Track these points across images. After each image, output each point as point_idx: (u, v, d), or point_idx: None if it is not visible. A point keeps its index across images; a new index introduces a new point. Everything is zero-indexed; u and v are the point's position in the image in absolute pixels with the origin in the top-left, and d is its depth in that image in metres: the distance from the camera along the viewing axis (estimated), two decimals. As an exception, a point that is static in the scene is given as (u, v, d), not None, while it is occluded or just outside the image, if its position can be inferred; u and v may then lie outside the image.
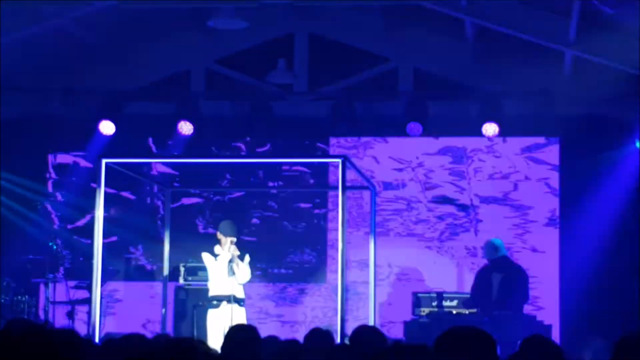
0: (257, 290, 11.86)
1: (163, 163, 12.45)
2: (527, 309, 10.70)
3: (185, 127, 11.92)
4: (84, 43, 11.62)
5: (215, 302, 9.71)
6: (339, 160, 8.14)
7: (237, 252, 9.78)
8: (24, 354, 3.77)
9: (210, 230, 11.63)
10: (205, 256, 9.89)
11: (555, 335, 10.78)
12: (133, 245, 12.37)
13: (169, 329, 10.77)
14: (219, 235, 9.85)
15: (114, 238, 11.43)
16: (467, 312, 10.46)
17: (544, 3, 10.44)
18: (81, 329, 10.19)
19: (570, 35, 10.31)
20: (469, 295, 10.68)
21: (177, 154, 12.21)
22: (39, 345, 3.77)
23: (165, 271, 10.39)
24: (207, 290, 9.95)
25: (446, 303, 10.92)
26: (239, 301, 9.76)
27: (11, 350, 3.87)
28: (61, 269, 11.90)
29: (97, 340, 7.98)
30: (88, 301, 10.07)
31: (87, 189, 11.51)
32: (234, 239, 9.81)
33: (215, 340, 9.16)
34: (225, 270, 9.73)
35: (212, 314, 9.72)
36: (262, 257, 11.76)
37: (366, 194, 11.42)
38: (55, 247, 11.76)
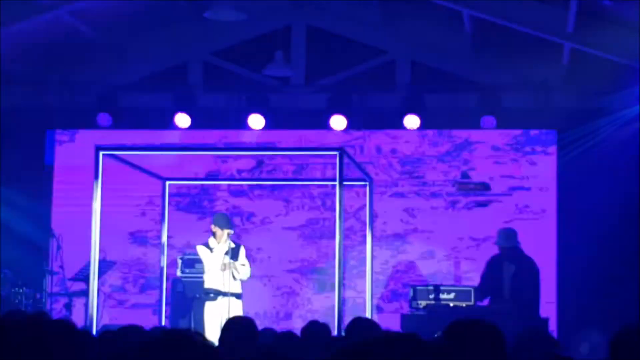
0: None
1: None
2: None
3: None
4: (81, 35, 11.59)
5: (212, 295, 9.72)
6: (336, 153, 8.13)
7: (233, 245, 9.79)
8: (21, 346, 3.76)
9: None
10: (200, 249, 9.89)
11: (552, 329, 10.78)
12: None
13: (166, 321, 10.76)
14: (214, 228, 9.84)
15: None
16: (464, 304, 10.43)
17: (542, -5, 10.43)
18: (79, 320, 10.18)
19: (568, 27, 10.29)
20: (477, 285, 10.43)
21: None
22: (36, 337, 3.77)
23: (163, 263, 10.38)
24: (203, 283, 9.95)
25: (443, 296, 10.90)
26: (236, 294, 9.77)
27: (8, 341, 3.86)
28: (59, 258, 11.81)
29: (94, 332, 7.98)
30: (86, 293, 10.06)
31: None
32: (231, 232, 9.82)
33: (212, 332, 9.17)
34: (221, 262, 9.72)
35: (209, 307, 9.72)
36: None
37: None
38: (57, 239, 11.59)
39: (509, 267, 10.03)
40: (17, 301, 10.85)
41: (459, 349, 3.44)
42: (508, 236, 10.15)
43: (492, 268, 10.19)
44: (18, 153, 12.08)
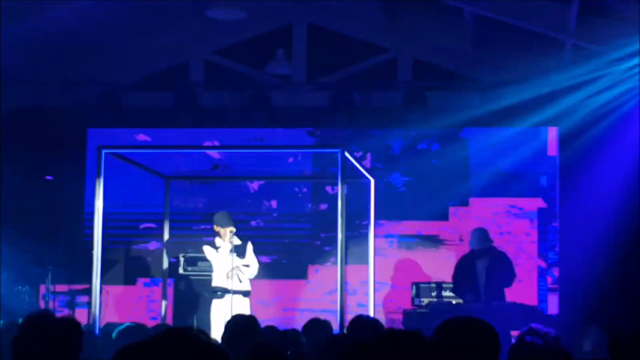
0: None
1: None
2: (527, 298, 10.67)
3: None
4: (82, 34, 11.60)
5: (219, 293, 9.70)
6: (337, 151, 8.13)
7: (239, 242, 9.76)
8: (26, 344, 3.78)
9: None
10: (207, 249, 9.86)
11: (554, 326, 10.77)
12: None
13: (169, 319, 10.77)
14: (217, 228, 9.79)
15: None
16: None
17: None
18: (81, 319, 10.18)
19: (570, 24, 10.29)
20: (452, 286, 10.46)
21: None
22: (40, 335, 3.78)
23: (165, 261, 10.39)
24: (207, 281, 9.95)
25: (446, 293, 10.91)
26: (243, 292, 9.74)
27: (15, 339, 3.88)
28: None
29: (97, 329, 8.00)
30: (88, 291, 10.08)
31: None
32: (233, 229, 9.78)
33: (218, 330, 9.16)
34: (228, 261, 9.70)
35: (216, 304, 9.71)
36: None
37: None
38: None
39: (482, 263, 10.01)
40: (20, 300, 10.86)
41: (454, 347, 3.45)
42: (485, 238, 10.14)
43: (464, 267, 10.15)
44: (19, 152, 12.07)
